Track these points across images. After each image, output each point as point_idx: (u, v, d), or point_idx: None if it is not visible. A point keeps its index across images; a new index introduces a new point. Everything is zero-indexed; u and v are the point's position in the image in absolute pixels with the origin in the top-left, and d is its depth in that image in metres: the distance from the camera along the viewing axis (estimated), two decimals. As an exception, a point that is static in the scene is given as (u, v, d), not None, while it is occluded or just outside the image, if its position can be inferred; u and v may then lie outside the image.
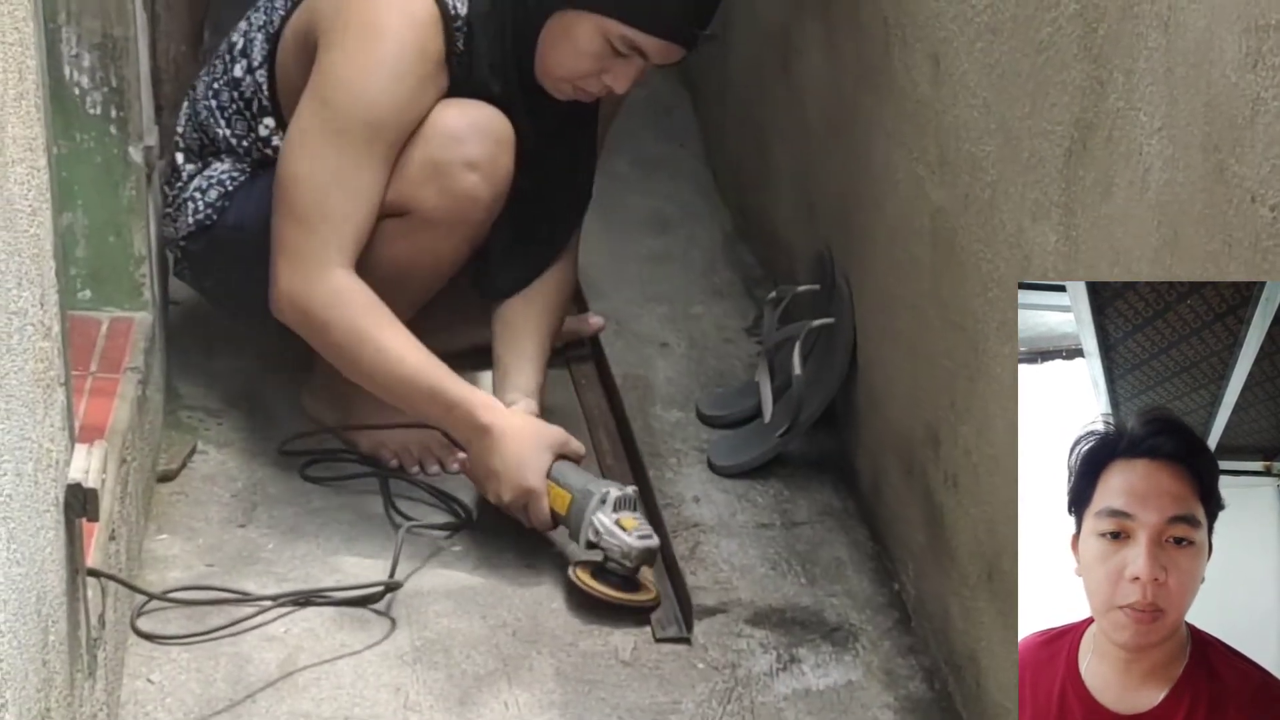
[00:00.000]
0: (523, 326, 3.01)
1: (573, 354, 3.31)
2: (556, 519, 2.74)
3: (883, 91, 2.77)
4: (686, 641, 2.60)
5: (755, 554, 2.83)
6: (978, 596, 2.39)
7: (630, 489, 2.73)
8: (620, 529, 2.66)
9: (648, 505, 2.83)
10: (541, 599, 2.69)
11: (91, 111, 2.68)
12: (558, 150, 2.97)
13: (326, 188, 2.74)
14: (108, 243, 2.75)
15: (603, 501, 2.68)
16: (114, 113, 2.69)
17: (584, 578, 2.67)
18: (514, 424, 2.77)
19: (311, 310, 2.75)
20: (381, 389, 2.79)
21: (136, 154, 2.73)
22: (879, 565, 2.80)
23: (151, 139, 2.81)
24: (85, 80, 2.66)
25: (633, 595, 2.67)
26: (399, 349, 2.75)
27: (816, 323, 3.01)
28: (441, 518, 2.86)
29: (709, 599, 2.69)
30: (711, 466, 3.05)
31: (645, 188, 4.00)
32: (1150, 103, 1.81)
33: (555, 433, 2.79)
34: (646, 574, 2.69)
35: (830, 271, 3.05)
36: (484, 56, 2.82)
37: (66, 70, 2.64)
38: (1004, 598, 2.29)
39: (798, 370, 2.99)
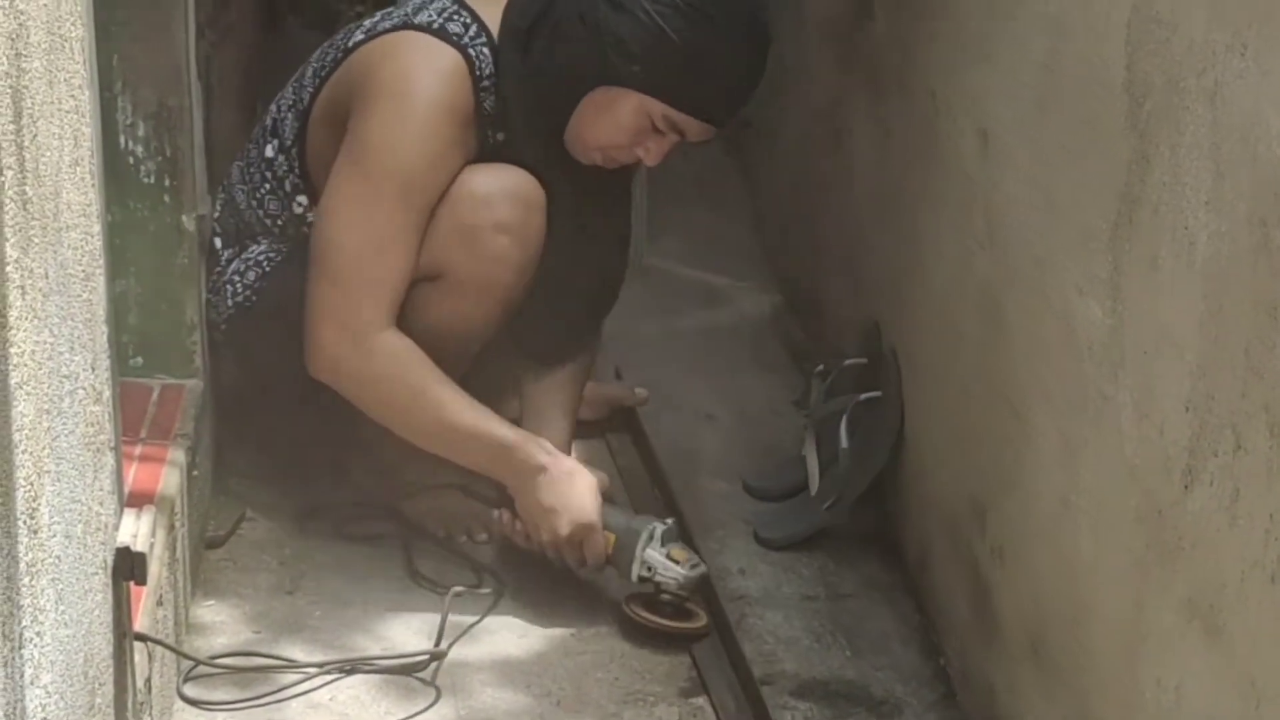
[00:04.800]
0: (548, 395, 3.05)
1: (610, 425, 3.32)
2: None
3: (930, 166, 2.78)
4: None
5: (800, 626, 2.82)
6: (1023, 670, 2.38)
7: (670, 521, 2.81)
8: (673, 561, 2.74)
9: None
10: (586, 668, 2.69)
11: (145, 180, 2.70)
12: (593, 215, 2.98)
13: (366, 249, 2.77)
14: (160, 310, 2.77)
15: (651, 537, 2.76)
16: (168, 181, 2.71)
17: (641, 612, 2.75)
18: (568, 465, 2.84)
19: (363, 371, 2.78)
20: (437, 441, 2.83)
21: (189, 223, 2.74)
22: (924, 638, 2.79)
23: (205, 208, 2.83)
24: (140, 149, 2.68)
25: (688, 624, 2.76)
26: (454, 400, 2.79)
27: (864, 396, 3.01)
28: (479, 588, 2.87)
29: (754, 670, 2.68)
30: (757, 539, 3.04)
31: (694, 261, 4.01)
32: (1196, 176, 1.82)
33: (599, 476, 2.86)
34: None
35: (877, 344, 3.05)
36: (517, 121, 2.84)
37: (121, 139, 2.66)
38: (1049, 672, 2.28)
39: (844, 443, 2.99)
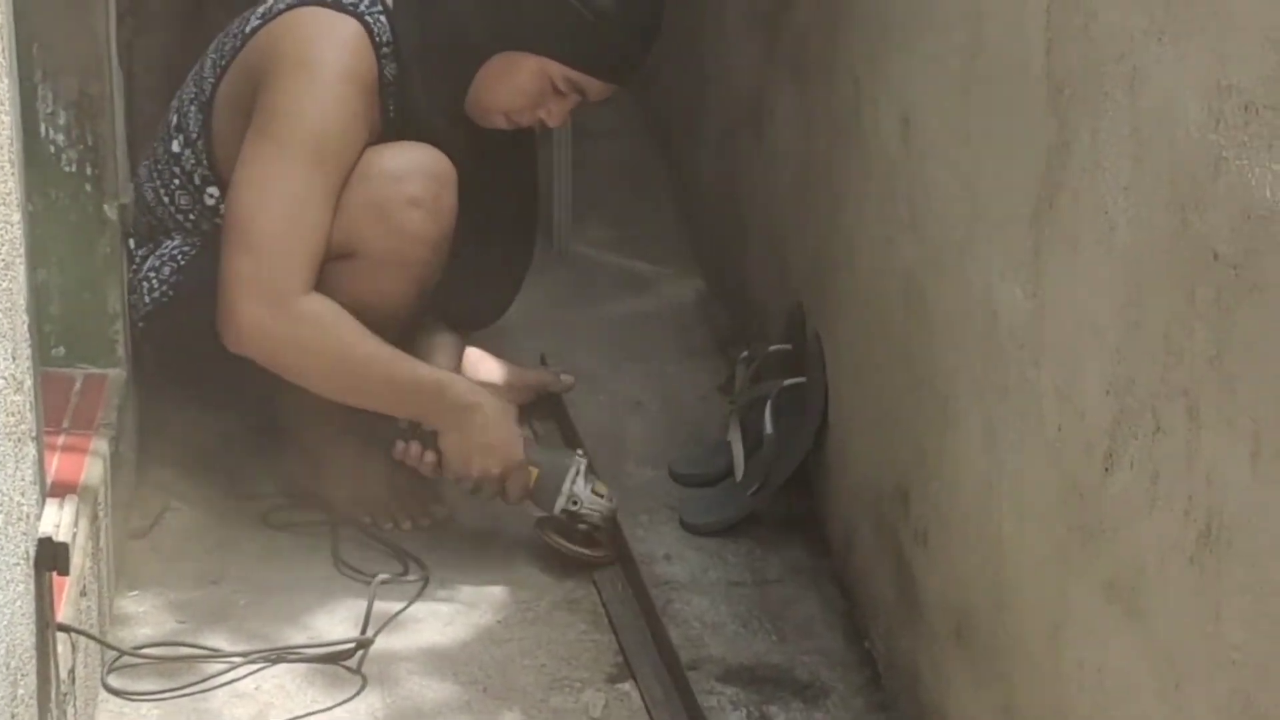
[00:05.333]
0: (435, 343, 3.12)
1: (534, 411, 3.32)
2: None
3: (853, 152, 2.79)
4: None
5: (727, 611, 2.83)
6: (948, 653, 2.40)
7: (581, 452, 2.95)
8: (596, 496, 2.89)
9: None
10: (513, 655, 2.69)
11: (67, 169, 2.69)
12: (500, 180, 3.01)
13: (281, 216, 2.78)
14: (82, 300, 2.76)
15: (578, 472, 2.88)
16: (89, 170, 2.70)
17: (559, 540, 2.89)
18: (497, 402, 2.90)
19: (291, 337, 2.78)
20: (368, 396, 2.85)
21: (111, 212, 2.73)
22: (850, 623, 2.81)
23: (127, 197, 2.82)
24: (61, 138, 2.67)
25: (602, 552, 2.91)
26: (381, 352, 2.82)
27: (788, 382, 3.02)
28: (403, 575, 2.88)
29: (681, 655, 2.69)
30: (683, 525, 3.05)
31: (619, 247, 4.01)
32: (1115, 162, 1.83)
33: (516, 407, 2.94)
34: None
35: (802, 330, 3.07)
36: (420, 89, 2.86)
37: (42, 127, 2.65)
38: (974, 654, 2.30)
39: (769, 429, 3.00)
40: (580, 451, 2.95)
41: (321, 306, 2.79)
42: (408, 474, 2.95)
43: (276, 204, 2.78)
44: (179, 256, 2.95)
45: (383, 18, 2.86)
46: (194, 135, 2.95)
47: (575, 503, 2.88)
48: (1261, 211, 1.53)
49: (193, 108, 2.95)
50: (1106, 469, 1.87)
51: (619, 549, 2.93)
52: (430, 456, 2.89)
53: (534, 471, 2.89)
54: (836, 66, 2.89)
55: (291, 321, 2.78)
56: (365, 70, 2.84)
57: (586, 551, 2.90)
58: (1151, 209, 1.75)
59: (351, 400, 2.86)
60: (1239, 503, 1.59)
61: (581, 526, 2.89)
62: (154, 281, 2.94)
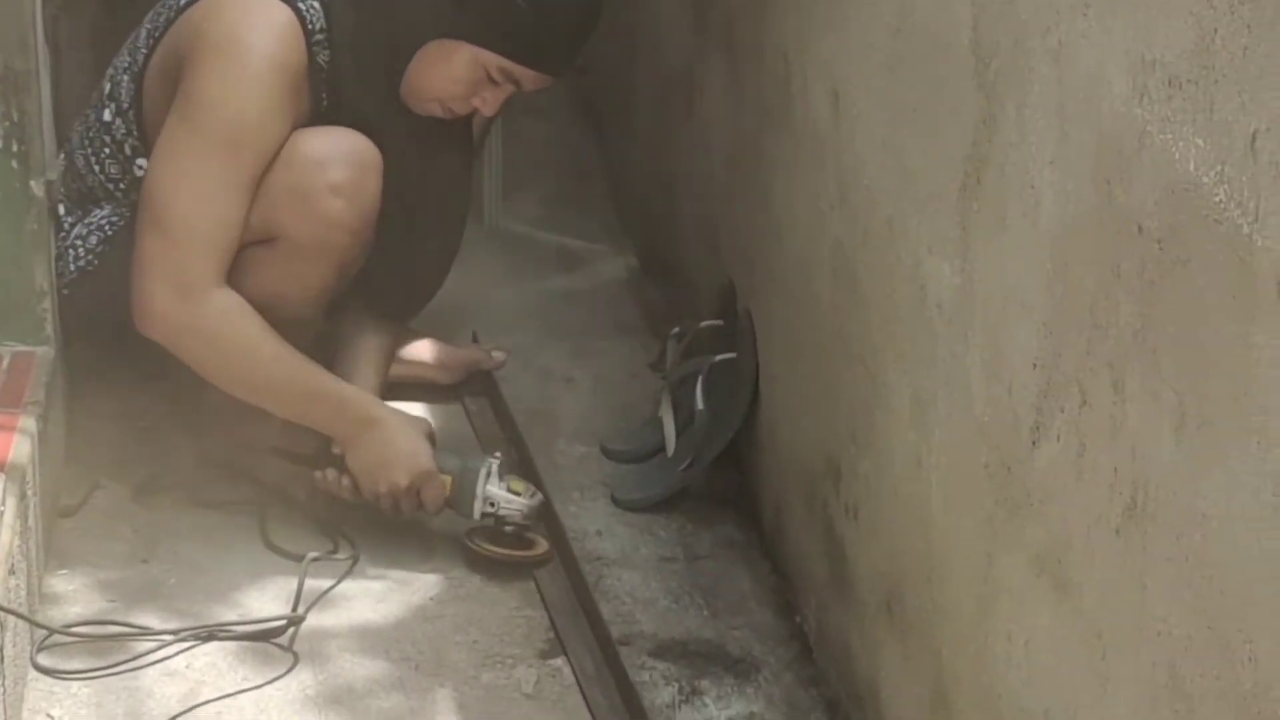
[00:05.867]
0: (361, 346, 3.08)
1: (467, 389, 3.32)
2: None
3: (783, 128, 2.80)
4: None
5: (658, 587, 2.84)
6: (878, 628, 2.41)
7: (498, 454, 2.89)
8: (513, 494, 2.83)
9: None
10: (444, 632, 2.69)
11: (-8, 146, 2.68)
12: (433, 169, 3.00)
13: (195, 203, 2.77)
14: (9, 277, 2.75)
15: (489, 473, 2.83)
16: (15, 146, 2.68)
17: (485, 545, 2.83)
18: (398, 416, 2.88)
19: (194, 327, 2.78)
20: (269, 399, 2.84)
21: (38, 188, 2.72)
22: (781, 598, 2.82)
23: (53, 173, 2.81)
24: (-14, 114, 2.66)
25: (534, 552, 2.85)
26: (286, 357, 2.81)
27: (719, 357, 3.04)
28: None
29: (612, 631, 2.69)
30: (615, 501, 3.06)
31: (549, 224, 4.02)
32: (1041, 136, 1.84)
33: (425, 422, 2.91)
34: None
35: (733, 306, 3.08)
36: (350, 75, 2.85)
37: (-33, 104, 2.64)
38: (904, 628, 2.31)
39: (700, 405, 3.02)
40: (497, 454, 2.90)
41: (229, 301, 2.79)
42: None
43: (190, 192, 2.77)
44: (106, 226, 2.94)
45: (316, 3, 2.84)
46: (125, 105, 2.94)
47: (493, 504, 2.83)
48: (1185, 185, 1.54)
49: (125, 77, 2.94)
50: (1034, 442, 1.88)
51: (550, 525, 2.91)
52: (348, 482, 2.87)
53: (448, 480, 2.84)
54: (765, 43, 2.90)
55: (197, 312, 2.77)
56: (293, 59, 2.82)
57: (519, 553, 2.84)
58: (1077, 183, 1.76)
59: (253, 400, 2.84)
60: (1163, 475, 1.61)
61: (507, 528, 2.84)
62: (80, 250, 2.93)
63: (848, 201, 2.49)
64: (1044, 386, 1.85)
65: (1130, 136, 1.64)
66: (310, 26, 2.83)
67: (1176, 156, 1.56)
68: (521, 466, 3.08)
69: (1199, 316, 1.54)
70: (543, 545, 2.86)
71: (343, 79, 2.87)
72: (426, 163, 2.98)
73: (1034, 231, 1.87)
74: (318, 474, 2.89)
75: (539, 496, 2.86)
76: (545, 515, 2.92)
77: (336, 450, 2.87)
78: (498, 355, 3.36)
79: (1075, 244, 1.78)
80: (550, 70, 2.89)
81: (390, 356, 3.13)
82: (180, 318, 2.77)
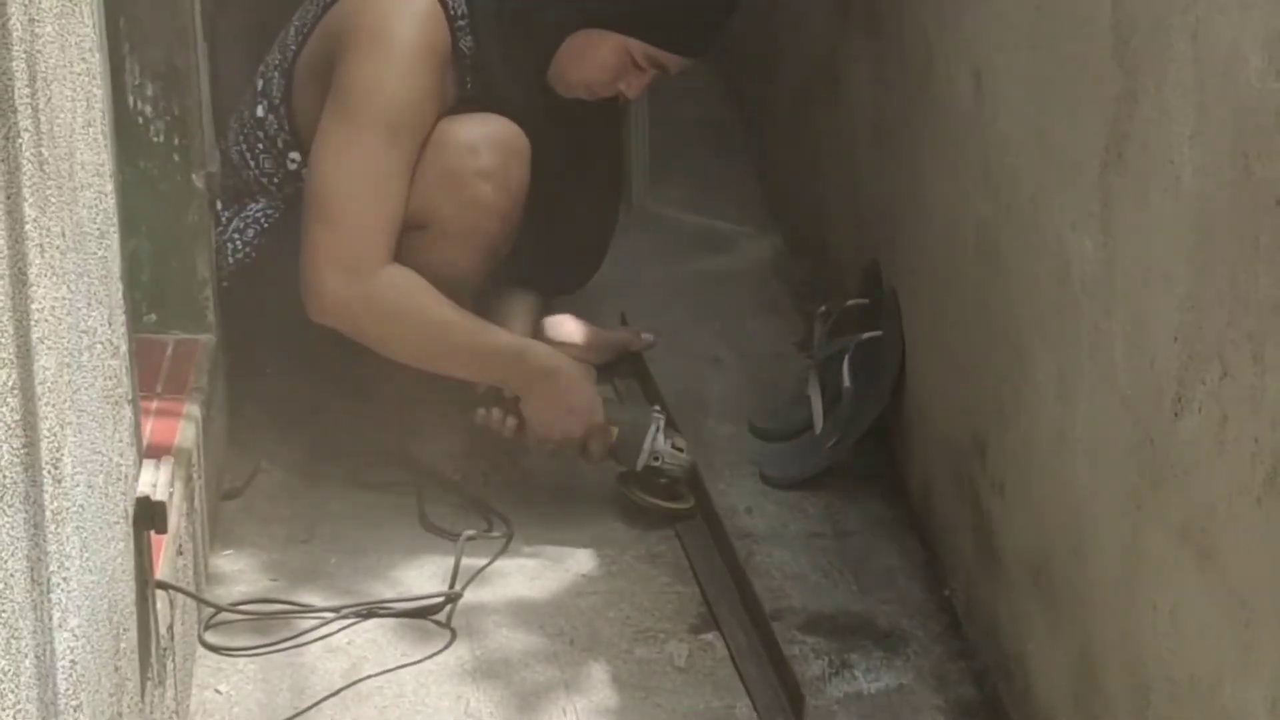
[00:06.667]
0: (511, 303, 3.15)
1: (616, 370, 3.36)
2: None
3: (927, 108, 2.81)
4: None
5: (807, 562, 2.86)
6: (1026, 600, 2.42)
7: (659, 410, 3.01)
8: (676, 451, 2.94)
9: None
10: (598, 608, 2.73)
11: (155, 139, 2.73)
12: (582, 151, 3.04)
13: (358, 190, 2.83)
14: (171, 267, 2.80)
15: (659, 429, 2.93)
16: (176, 140, 2.73)
17: (643, 495, 2.94)
18: (576, 367, 2.95)
19: (372, 306, 2.83)
20: (449, 362, 2.90)
21: (199, 180, 2.77)
22: (929, 572, 2.83)
23: (213, 165, 2.86)
24: (149, 109, 2.70)
25: (684, 504, 2.96)
26: (464, 319, 2.88)
27: (865, 336, 3.05)
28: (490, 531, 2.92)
29: (764, 606, 2.71)
30: (764, 478, 3.07)
31: (697, 207, 4.03)
32: (1181, 111, 1.85)
33: (593, 370, 3.02)
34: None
35: (878, 285, 3.09)
36: (498, 63, 2.90)
37: (131, 99, 2.68)
38: (1051, 601, 2.32)
39: (847, 383, 3.03)
40: (657, 408, 3.00)
41: (400, 276, 2.84)
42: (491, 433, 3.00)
43: (353, 178, 2.83)
44: (262, 219, 3.00)
45: None
46: (277, 101, 3.00)
47: (657, 458, 2.92)
48: (1322, 158, 1.56)
49: (276, 74, 3.01)
50: (1176, 414, 1.89)
51: (700, 500, 2.96)
52: (511, 422, 2.94)
53: (614, 431, 2.93)
54: (907, 23, 2.91)
55: (371, 291, 2.83)
56: (438, 43, 2.87)
57: (670, 504, 2.94)
58: (1216, 157, 1.77)
59: (432, 367, 2.90)
60: (1304, 444, 1.62)
61: (662, 480, 2.93)
62: (238, 243, 2.99)
63: (990, 179, 2.51)
64: (1185, 359, 1.86)
65: (1267, 111, 1.65)
66: (453, 13, 2.89)
67: (1313, 130, 1.57)
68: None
69: (1337, 287, 1.55)
70: (690, 499, 2.95)
71: (490, 66, 2.92)
72: (575, 145, 3.02)
73: (1174, 206, 1.88)
74: (480, 411, 2.95)
75: (694, 456, 2.97)
76: (697, 489, 2.96)
77: (507, 394, 2.93)
78: (647, 337, 3.39)
79: (1215, 218, 1.78)
80: (694, 54, 2.94)
81: (536, 311, 3.18)
82: (356, 300, 2.83)
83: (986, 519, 2.58)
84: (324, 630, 2.65)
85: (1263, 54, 1.66)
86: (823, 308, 3.26)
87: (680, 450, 2.94)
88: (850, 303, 3.17)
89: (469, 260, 2.94)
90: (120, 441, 1.97)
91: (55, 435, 1.59)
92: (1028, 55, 2.34)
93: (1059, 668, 2.28)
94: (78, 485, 1.69)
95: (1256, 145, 1.68)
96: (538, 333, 3.16)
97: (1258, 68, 1.67)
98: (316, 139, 2.87)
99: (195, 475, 2.57)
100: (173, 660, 2.29)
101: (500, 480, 3.03)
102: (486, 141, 2.90)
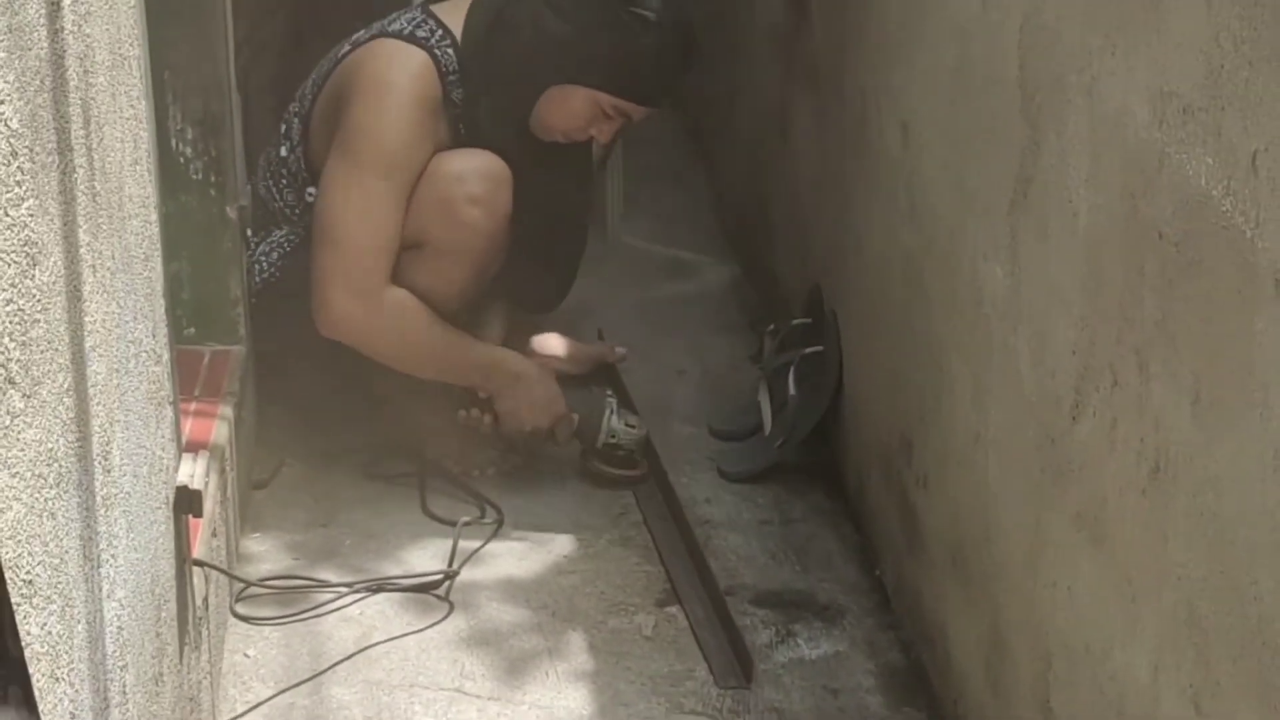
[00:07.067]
0: (487, 313, 3.14)
1: (594, 379, 3.35)
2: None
3: (862, 153, 2.81)
4: (747, 688, 2.48)
5: (758, 546, 2.86)
6: (945, 579, 2.42)
7: (610, 393, 3.09)
8: (630, 428, 3.01)
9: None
10: (577, 585, 2.72)
11: (194, 177, 2.72)
12: (557, 186, 3.05)
13: (360, 219, 2.84)
14: (208, 287, 2.79)
15: (612, 411, 3.01)
16: (213, 177, 2.72)
17: (603, 466, 3.01)
18: (537, 369, 3.00)
19: (375, 323, 2.85)
20: (439, 370, 2.95)
21: (232, 212, 2.76)
22: (863, 555, 2.83)
23: (244, 200, 2.85)
24: (188, 150, 2.70)
25: (638, 471, 3.02)
26: (451, 336, 2.93)
27: (808, 350, 3.05)
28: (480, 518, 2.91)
29: (720, 583, 2.71)
30: (721, 473, 3.07)
31: (665, 239, 4.04)
32: (1077, 158, 1.86)
33: (551, 370, 3.04)
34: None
35: (820, 307, 3.09)
36: (486, 113, 2.91)
37: (173, 142, 2.67)
38: (966, 580, 2.32)
39: (793, 391, 3.03)
40: (610, 393, 3.08)
41: (401, 296, 2.86)
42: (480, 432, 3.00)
43: (354, 210, 2.84)
44: (285, 244, 3.00)
45: (450, 50, 2.90)
46: (296, 142, 3.00)
47: (614, 435, 3.00)
48: (1197, 197, 1.56)
49: (296, 119, 3.01)
50: (1073, 418, 1.89)
51: (657, 477, 3.01)
52: (489, 418, 2.98)
53: (575, 417, 2.99)
54: (845, 81, 2.92)
55: (375, 310, 2.84)
56: (430, 94, 2.89)
57: (627, 473, 3.00)
58: (1107, 197, 1.78)
59: (422, 373, 2.94)
60: (1182, 443, 1.62)
61: (620, 453, 3.00)
62: (264, 264, 3.00)
63: (916, 216, 2.51)
64: (1081, 370, 1.86)
65: (1151, 157, 1.66)
66: (444, 68, 2.89)
67: (1190, 173, 1.57)
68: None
69: (1210, 309, 1.55)
70: (644, 465, 3.02)
71: (478, 114, 2.93)
72: (551, 181, 3.03)
73: (1072, 239, 1.88)
74: (462, 412, 2.98)
75: (646, 428, 3.03)
76: (661, 485, 2.96)
77: (483, 395, 2.97)
78: (620, 350, 3.39)
79: (1106, 249, 1.79)
80: (654, 105, 2.96)
81: (508, 319, 3.18)
82: (360, 318, 2.84)
83: (912, 508, 2.58)
84: (339, 603, 2.65)
85: (1148, 108, 1.66)
86: (772, 326, 3.26)
87: (633, 427, 3.01)
88: (796, 322, 3.17)
89: (459, 276, 2.94)
90: (162, 437, 1.96)
91: (105, 431, 1.59)
92: (948, 109, 2.35)
93: (973, 638, 2.29)
94: (125, 475, 1.69)
95: (1142, 187, 1.69)
96: (526, 349, 3.16)
97: (1144, 120, 1.67)
98: (323, 176, 2.88)
99: (228, 468, 2.56)
100: (207, 628, 2.28)
101: (494, 474, 3.03)
102: (474, 172, 2.90)
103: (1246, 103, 1.46)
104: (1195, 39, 1.56)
